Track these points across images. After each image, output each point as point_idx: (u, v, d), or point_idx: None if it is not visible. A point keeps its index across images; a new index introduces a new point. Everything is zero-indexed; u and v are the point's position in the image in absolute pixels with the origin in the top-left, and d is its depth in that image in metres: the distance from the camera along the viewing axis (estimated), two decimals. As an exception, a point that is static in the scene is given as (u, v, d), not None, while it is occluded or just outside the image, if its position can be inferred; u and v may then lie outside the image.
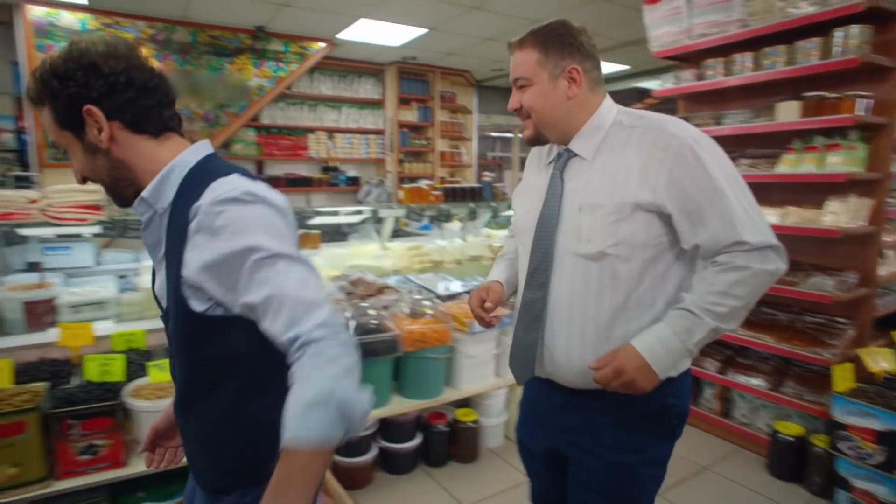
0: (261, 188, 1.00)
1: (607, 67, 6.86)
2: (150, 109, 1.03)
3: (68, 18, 4.64)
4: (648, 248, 1.30)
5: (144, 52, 4.02)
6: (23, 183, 3.30)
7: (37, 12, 4.53)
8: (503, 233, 5.34)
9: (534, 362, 1.46)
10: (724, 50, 3.08)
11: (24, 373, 2.50)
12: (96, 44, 0.99)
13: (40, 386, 2.23)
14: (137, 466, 2.24)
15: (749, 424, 3.16)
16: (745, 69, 3.02)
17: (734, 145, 3.07)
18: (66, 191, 2.91)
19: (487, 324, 1.59)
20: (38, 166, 4.67)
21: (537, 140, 1.42)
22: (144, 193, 1.06)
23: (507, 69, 6.96)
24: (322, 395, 0.85)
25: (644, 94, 7.20)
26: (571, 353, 1.38)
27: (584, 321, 1.36)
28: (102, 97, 0.98)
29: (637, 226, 1.28)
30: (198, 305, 1.01)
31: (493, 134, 15.63)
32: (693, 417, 3.40)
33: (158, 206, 1.06)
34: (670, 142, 1.25)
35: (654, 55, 3.41)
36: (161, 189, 1.05)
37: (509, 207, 5.02)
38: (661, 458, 1.42)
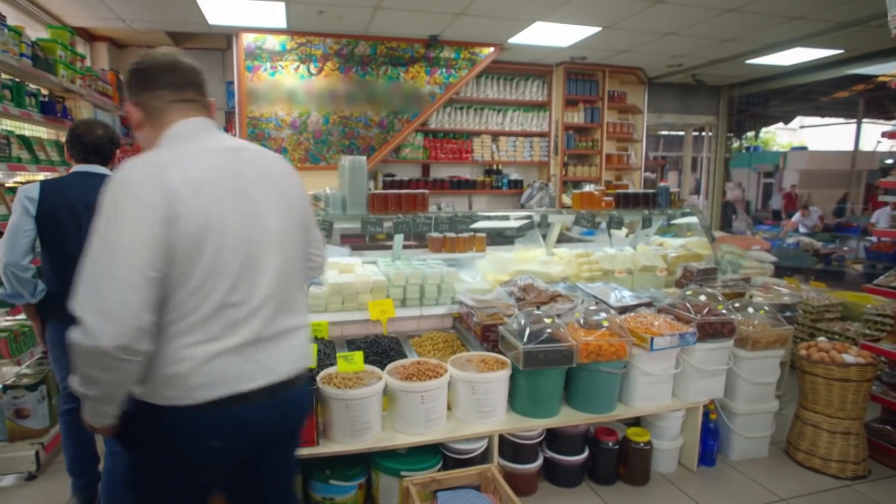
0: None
1: (812, 54, 5.97)
2: (77, 151, 2.38)
3: (272, 42, 5.28)
4: None
5: (330, 65, 4.73)
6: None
7: (249, 38, 5.23)
8: (677, 241, 4.91)
9: None
10: None
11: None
12: (84, 124, 2.44)
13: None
14: (327, 447, 2.43)
15: None
16: None
17: None
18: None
19: None
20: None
21: None
22: None
23: (686, 63, 6.41)
24: None
25: (859, 81, 6.15)
26: None
27: None
28: (68, 142, 2.40)
29: None
30: None
31: (662, 132, 14.59)
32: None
33: None
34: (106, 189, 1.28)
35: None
36: None
37: (683, 215, 4.60)
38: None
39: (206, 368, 1.30)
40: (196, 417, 1.31)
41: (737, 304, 3.26)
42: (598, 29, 5.06)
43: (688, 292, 3.22)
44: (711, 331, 2.92)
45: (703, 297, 3.10)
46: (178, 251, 1.24)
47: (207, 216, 1.28)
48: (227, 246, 1.32)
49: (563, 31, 5.15)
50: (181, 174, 1.26)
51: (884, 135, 3.30)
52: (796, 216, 11.61)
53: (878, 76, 7.60)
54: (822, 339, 3.18)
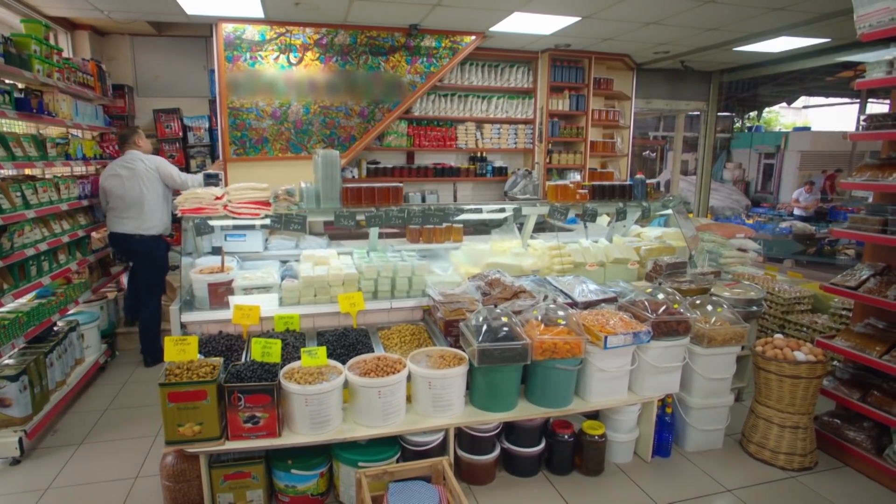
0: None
1: (800, 42, 5.92)
2: None
3: (251, 31, 5.26)
4: None
5: (310, 55, 4.84)
6: (211, 180, 3.85)
7: (228, 29, 5.21)
8: (654, 232, 4.96)
9: None
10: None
11: (207, 344, 2.97)
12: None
13: (217, 360, 2.62)
14: (289, 438, 2.54)
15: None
16: None
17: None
18: (243, 189, 3.34)
19: None
20: (224, 159, 5.45)
21: None
22: None
23: (672, 50, 6.35)
24: None
25: (848, 69, 6.09)
26: None
27: None
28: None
29: None
30: None
31: (664, 112, 14.31)
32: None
33: None
34: None
35: (862, 38, 2.88)
36: None
37: (664, 206, 4.61)
38: None
39: (111, 223, 4.39)
40: (111, 236, 4.44)
41: (697, 302, 3.34)
42: (578, 18, 5.02)
43: (647, 290, 3.29)
44: (667, 329, 3.00)
45: (661, 296, 3.17)
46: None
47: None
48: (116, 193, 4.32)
49: (543, 21, 5.12)
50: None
51: (846, 136, 3.32)
52: (797, 192, 11.67)
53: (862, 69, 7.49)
54: (778, 336, 3.26)
